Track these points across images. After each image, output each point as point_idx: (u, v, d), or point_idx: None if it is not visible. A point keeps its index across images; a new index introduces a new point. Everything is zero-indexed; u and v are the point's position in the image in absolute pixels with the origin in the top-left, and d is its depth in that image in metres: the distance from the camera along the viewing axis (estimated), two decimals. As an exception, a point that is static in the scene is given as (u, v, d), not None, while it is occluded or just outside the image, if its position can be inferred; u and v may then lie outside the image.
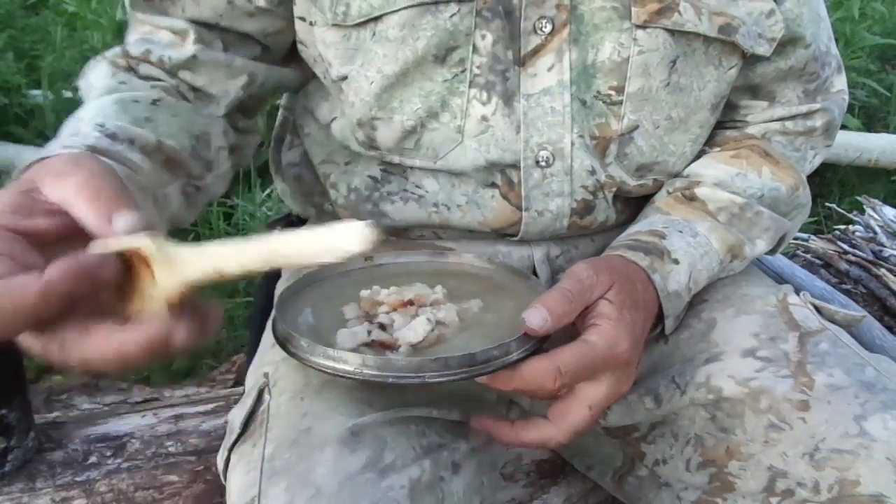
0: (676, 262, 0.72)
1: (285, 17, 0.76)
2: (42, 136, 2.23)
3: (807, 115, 0.84)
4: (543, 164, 0.74)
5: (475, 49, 0.71)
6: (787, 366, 0.70)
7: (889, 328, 1.33)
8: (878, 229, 1.78)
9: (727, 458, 0.70)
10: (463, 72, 0.72)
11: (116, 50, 0.74)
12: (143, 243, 0.45)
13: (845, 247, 1.71)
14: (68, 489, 0.92)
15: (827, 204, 2.27)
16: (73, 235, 0.47)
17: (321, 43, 0.74)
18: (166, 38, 0.74)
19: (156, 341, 0.43)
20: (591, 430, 0.78)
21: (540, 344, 0.63)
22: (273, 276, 0.94)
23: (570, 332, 0.64)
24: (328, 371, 0.60)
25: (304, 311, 0.68)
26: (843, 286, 1.60)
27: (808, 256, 1.73)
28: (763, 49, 0.77)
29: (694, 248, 0.74)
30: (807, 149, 0.86)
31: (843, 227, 1.84)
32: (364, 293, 0.68)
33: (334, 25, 0.72)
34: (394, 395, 0.68)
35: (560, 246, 0.82)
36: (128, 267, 0.46)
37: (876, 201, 1.90)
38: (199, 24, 0.74)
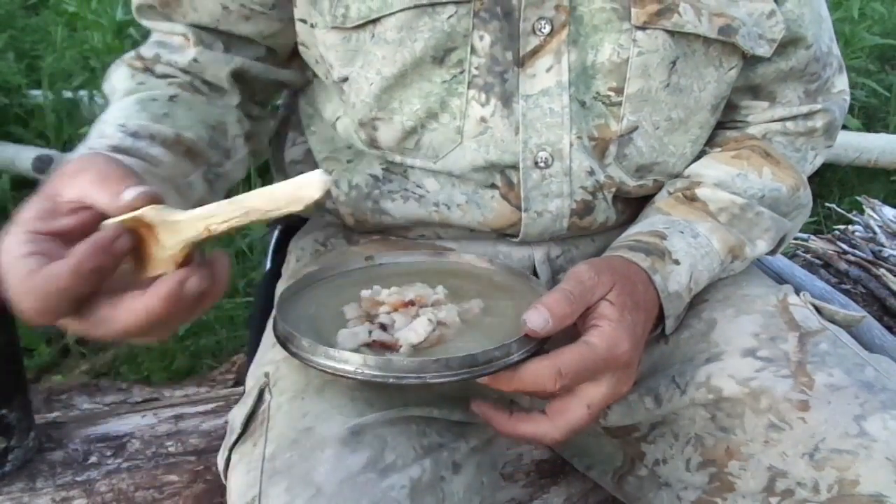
0: (677, 262, 0.72)
1: (281, 19, 0.78)
2: (42, 136, 2.22)
3: (808, 115, 0.84)
4: (542, 164, 0.74)
5: (473, 50, 0.71)
6: (787, 366, 0.70)
7: (889, 328, 1.33)
8: (877, 229, 1.78)
9: (727, 458, 0.70)
10: (461, 73, 0.72)
11: (133, 53, 0.79)
12: (144, 211, 0.51)
13: (845, 247, 1.71)
14: (68, 489, 0.92)
15: (826, 204, 2.27)
16: (97, 228, 0.51)
17: (322, 45, 0.75)
18: (174, 42, 0.79)
19: (173, 291, 0.48)
20: (591, 430, 0.78)
21: (541, 345, 0.63)
22: (273, 276, 0.95)
23: (571, 332, 0.64)
24: (329, 371, 0.60)
25: (304, 311, 0.68)
26: (843, 286, 1.61)
27: (808, 256, 1.73)
28: (763, 50, 0.77)
29: (695, 249, 0.74)
30: (807, 149, 0.86)
31: (842, 227, 1.84)
32: (365, 293, 0.68)
33: (334, 28, 0.72)
34: (394, 396, 0.68)
35: (560, 246, 0.82)
36: (139, 240, 0.52)
37: (875, 201, 1.90)
38: (199, 28, 0.78)
